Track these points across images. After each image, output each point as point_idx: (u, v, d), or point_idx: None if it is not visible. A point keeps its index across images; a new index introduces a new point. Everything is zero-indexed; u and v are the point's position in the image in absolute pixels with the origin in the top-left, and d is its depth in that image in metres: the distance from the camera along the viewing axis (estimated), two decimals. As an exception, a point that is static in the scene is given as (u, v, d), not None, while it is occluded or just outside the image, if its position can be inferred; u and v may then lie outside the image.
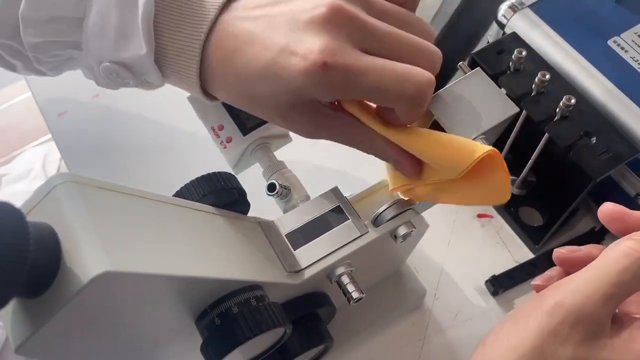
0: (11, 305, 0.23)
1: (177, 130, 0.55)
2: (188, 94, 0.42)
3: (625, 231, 0.30)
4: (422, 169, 0.34)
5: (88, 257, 0.22)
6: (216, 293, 0.29)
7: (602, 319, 0.26)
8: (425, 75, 0.30)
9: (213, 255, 0.28)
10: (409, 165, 0.34)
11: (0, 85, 1.59)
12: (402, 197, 0.37)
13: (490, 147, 0.30)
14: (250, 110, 0.34)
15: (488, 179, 0.32)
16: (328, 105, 0.33)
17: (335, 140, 0.34)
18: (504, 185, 0.32)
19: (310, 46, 0.29)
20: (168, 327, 0.29)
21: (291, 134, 0.42)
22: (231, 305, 0.29)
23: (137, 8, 0.32)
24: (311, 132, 0.34)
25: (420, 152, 0.32)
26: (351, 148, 0.35)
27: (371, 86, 0.30)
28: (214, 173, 0.33)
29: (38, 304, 0.22)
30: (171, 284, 0.25)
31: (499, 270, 0.47)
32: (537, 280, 0.32)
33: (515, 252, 0.48)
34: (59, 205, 0.23)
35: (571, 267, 0.30)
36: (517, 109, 0.33)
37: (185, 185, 0.33)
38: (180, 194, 0.32)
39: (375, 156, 0.34)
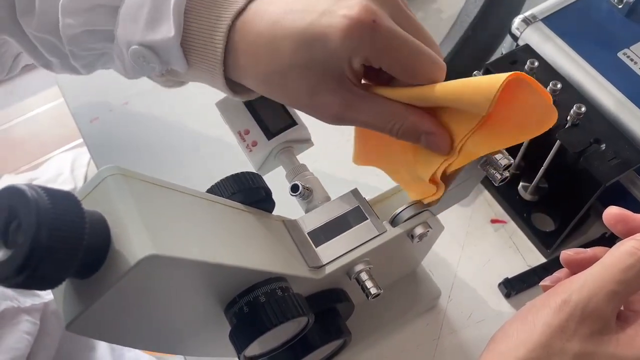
0: (63, 285, 0.25)
1: (203, 135, 0.58)
2: (216, 101, 0.44)
3: (629, 233, 0.31)
4: (453, 139, 0.33)
5: (135, 241, 0.24)
6: (245, 283, 0.31)
7: (608, 315, 0.28)
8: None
9: (243, 247, 0.31)
10: (442, 136, 0.33)
11: (24, 95, 1.64)
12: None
13: (514, 72, 0.30)
14: (276, 91, 0.34)
15: (525, 106, 0.31)
16: (358, 84, 0.33)
17: (363, 123, 0.34)
18: (545, 105, 0.30)
19: (358, 6, 0.30)
20: (200, 313, 0.31)
21: (313, 136, 0.44)
22: (259, 294, 0.31)
23: None
24: (339, 114, 0.33)
25: (447, 94, 0.31)
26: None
27: (405, 59, 0.31)
28: (242, 173, 0.35)
29: (88, 284, 0.24)
30: (207, 270, 0.27)
31: (511, 273, 0.48)
32: (545, 281, 0.34)
33: (528, 256, 0.50)
34: (108, 195, 0.25)
35: (577, 268, 0.32)
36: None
37: (216, 183, 0.35)
38: (211, 191, 0.35)
39: (406, 137, 0.34)
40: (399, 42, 0.31)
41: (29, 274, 0.21)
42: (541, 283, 0.34)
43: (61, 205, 0.22)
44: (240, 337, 0.30)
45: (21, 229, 0.21)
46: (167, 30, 0.34)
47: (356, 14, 0.30)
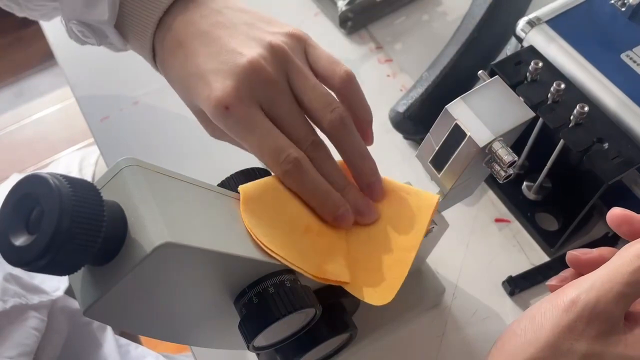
0: (80, 272, 0.26)
1: (211, 134, 0.58)
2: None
3: (632, 234, 0.32)
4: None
5: (151, 230, 0.25)
6: (254, 274, 0.32)
7: (616, 316, 0.28)
8: (291, 159, 0.34)
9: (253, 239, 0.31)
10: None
11: (32, 97, 1.66)
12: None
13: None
14: (179, 90, 0.40)
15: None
16: None
17: (238, 145, 0.38)
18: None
19: (222, 86, 0.34)
20: (210, 304, 0.32)
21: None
22: (268, 285, 0.31)
23: None
24: (213, 134, 0.41)
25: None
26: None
27: (251, 145, 0.35)
28: (251, 168, 0.36)
29: (105, 271, 0.25)
30: (219, 259, 0.28)
31: (515, 272, 0.49)
32: (552, 281, 0.34)
33: (532, 255, 0.50)
34: (125, 186, 0.26)
35: (584, 269, 0.32)
36: (532, 114, 0.35)
37: (226, 178, 0.36)
38: (221, 185, 0.35)
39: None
40: (246, 131, 0.34)
41: (50, 259, 0.22)
42: (548, 282, 0.34)
43: (82, 193, 0.23)
44: (250, 327, 0.31)
45: (43, 216, 0.22)
46: (102, 13, 0.38)
47: (218, 93, 0.34)
